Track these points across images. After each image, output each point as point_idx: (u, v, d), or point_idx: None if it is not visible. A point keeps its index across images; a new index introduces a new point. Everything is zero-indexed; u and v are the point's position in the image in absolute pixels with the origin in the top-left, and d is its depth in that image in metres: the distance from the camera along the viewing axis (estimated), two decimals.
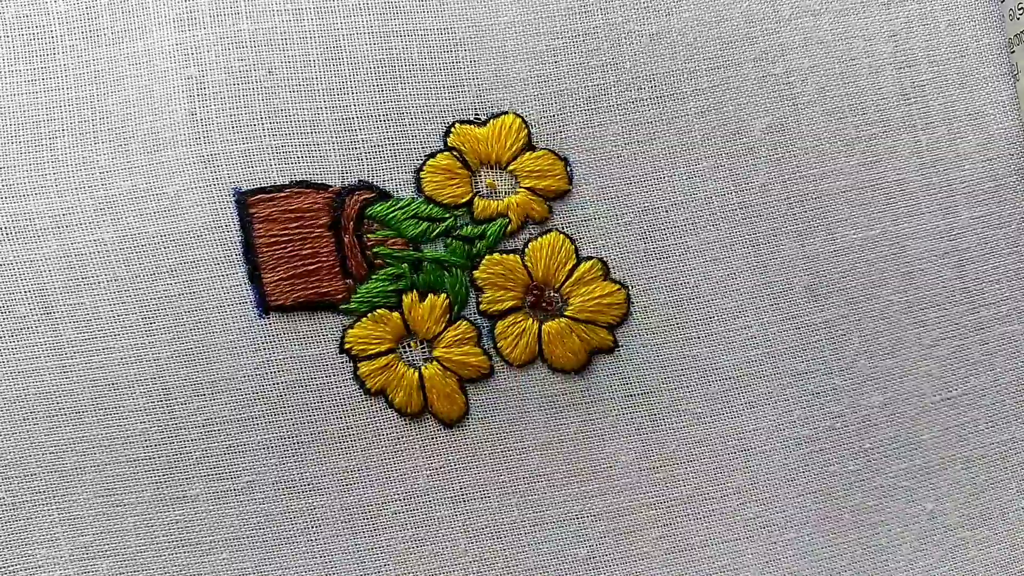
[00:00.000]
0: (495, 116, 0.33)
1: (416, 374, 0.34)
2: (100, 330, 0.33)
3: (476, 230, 0.33)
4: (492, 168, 0.34)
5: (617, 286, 0.34)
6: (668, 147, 0.34)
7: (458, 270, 0.33)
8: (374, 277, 0.33)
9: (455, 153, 0.33)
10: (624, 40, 0.34)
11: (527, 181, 0.33)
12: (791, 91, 0.34)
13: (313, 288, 0.33)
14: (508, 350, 0.34)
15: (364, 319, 0.33)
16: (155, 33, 0.33)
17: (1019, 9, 0.34)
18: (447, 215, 0.33)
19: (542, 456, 0.34)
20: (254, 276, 0.33)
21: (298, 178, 0.33)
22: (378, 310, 0.33)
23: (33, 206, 0.33)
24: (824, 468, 0.35)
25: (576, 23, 0.33)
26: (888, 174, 0.34)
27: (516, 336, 0.34)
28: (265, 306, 0.33)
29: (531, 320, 0.34)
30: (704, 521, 0.35)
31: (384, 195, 0.33)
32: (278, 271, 0.33)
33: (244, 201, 0.33)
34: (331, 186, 0.33)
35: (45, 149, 0.33)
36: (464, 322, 0.34)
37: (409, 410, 0.34)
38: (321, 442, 0.34)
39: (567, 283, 0.34)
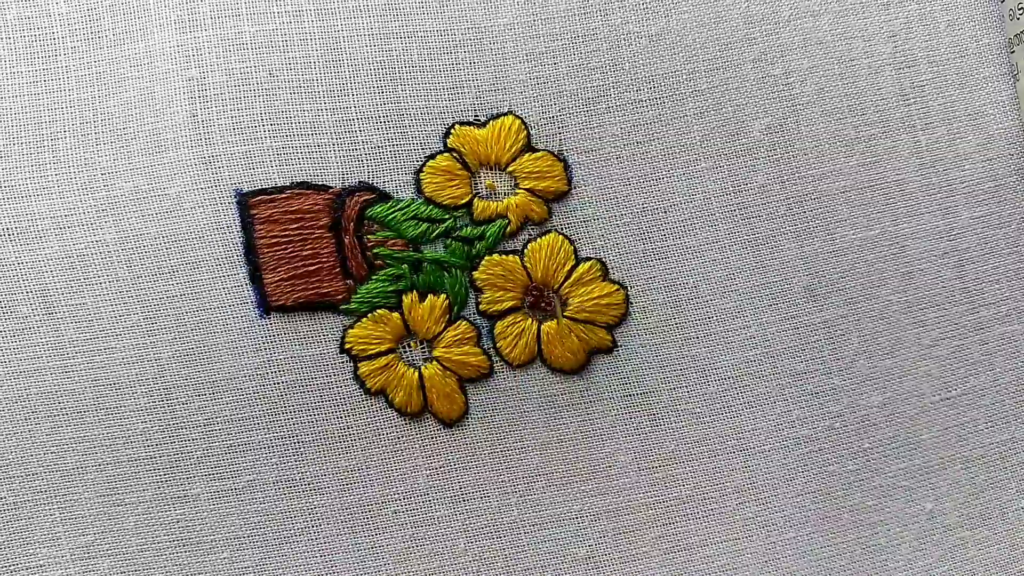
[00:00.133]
0: (495, 117, 0.33)
1: (416, 374, 0.34)
2: (101, 330, 0.33)
3: (476, 231, 0.34)
4: (491, 169, 0.34)
5: (616, 286, 0.34)
6: (667, 148, 0.34)
7: (458, 271, 0.34)
8: (374, 278, 0.33)
9: (455, 154, 0.33)
10: (623, 42, 0.34)
11: (526, 182, 0.34)
12: (790, 92, 0.34)
13: (314, 288, 0.33)
14: (507, 350, 0.34)
15: (364, 319, 0.33)
16: (156, 34, 0.33)
17: (1019, 9, 0.34)
18: (447, 216, 0.33)
19: (541, 456, 0.34)
20: (255, 277, 0.33)
21: (299, 179, 0.33)
22: (378, 310, 0.33)
23: (35, 207, 0.33)
24: (823, 468, 0.35)
25: (575, 25, 0.34)
26: (888, 174, 0.34)
27: (515, 336, 0.34)
28: (266, 306, 0.33)
29: (530, 320, 0.34)
30: (703, 521, 0.35)
31: (384, 196, 0.33)
32: (279, 272, 0.33)
33: (245, 202, 0.33)
34: (331, 187, 0.33)
35: (47, 150, 0.33)
36: (464, 322, 0.34)
37: (409, 410, 0.34)
38: (321, 442, 0.34)
39: (566, 284, 0.34)
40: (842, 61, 0.34)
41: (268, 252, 0.33)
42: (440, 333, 0.34)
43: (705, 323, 0.34)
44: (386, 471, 0.34)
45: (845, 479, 0.35)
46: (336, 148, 0.33)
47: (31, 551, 0.34)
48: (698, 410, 0.34)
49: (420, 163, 0.33)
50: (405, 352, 0.34)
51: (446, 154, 0.33)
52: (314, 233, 0.33)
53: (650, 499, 0.35)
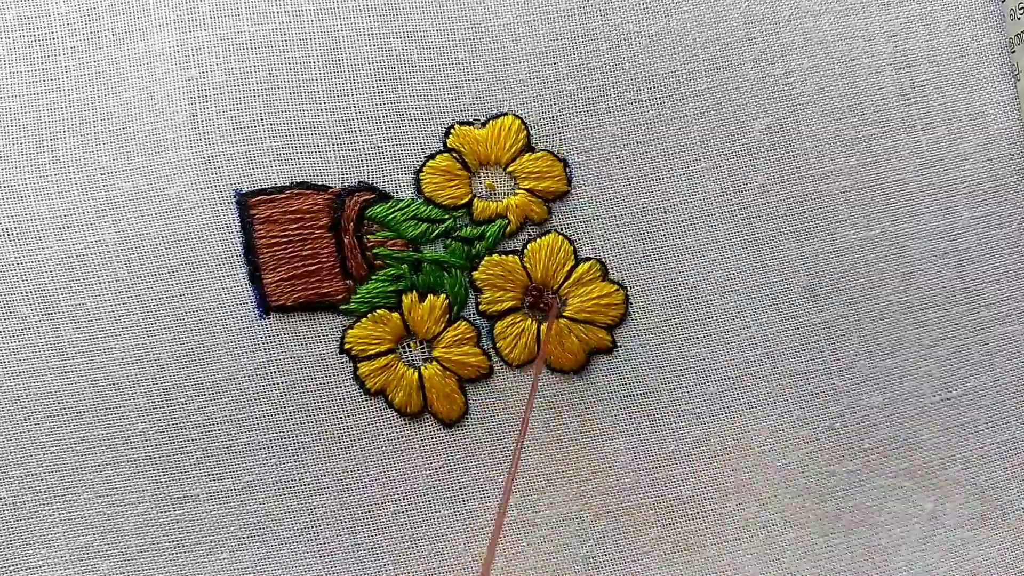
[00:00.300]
0: (494, 117, 0.33)
1: (416, 374, 0.34)
2: (101, 330, 0.33)
3: (475, 231, 0.34)
4: (491, 169, 0.34)
5: (615, 287, 0.34)
6: (667, 148, 0.34)
7: (457, 271, 0.34)
8: (374, 278, 0.33)
9: (454, 154, 0.33)
10: (623, 42, 0.34)
11: (526, 182, 0.34)
12: (790, 92, 0.34)
13: (313, 289, 0.33)
14: (507, 350, 0.34)
15: (364, 319, 0.33)
16: (156, 35, 0.33)
17: (1019, 9, 0.34)
18: (447, 216, 0.33)
19: (541, 456, 0.34)
20: (255, 277, 0.33)
21: (298, 179, 0.33)
22: (378, 310, 0.33)
23: (35, 207, 0.33)
24: (823, 468, 0.35)
25: (575, 25, 0.33)
26: (888, 174, 0.34)
27: (515, 336, 0.34)
28: (266, 306, 0.33)
29: (530, 320, 0.34)
30: (703, 521, 0.35)
31: (384, 196, 0.33)
32: (279, 272, 0.33)
33: (245, 202, 0.33)
34: (331, 187, 0.33)
35: (47, 150, 0.33)
36: (463, 322, 0.34)
37: (409, 410, 0.34)
38: (321, 442, 0.34)
39: (566, 284, 0.34)
40: (842, 61, 0.34)
41: (268, 252, 0.33)
42: (440, 333, 0.34)
43: (705, 323, 0.34)
44: (386, 471, 0.34)
45: (845, 479, 0.35)
46: (336, 148, 0.33)
47: (30, 551, 0.34)
48: (698, 410, 0.34)
49: (420, 163, 0.33)
50: (405, 352, 0.34)
51: (446, 154, 0.33)
52: (314, 233, 0.33)
53: (650, 499, 0.35)
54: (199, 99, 0.33)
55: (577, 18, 0.34)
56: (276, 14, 0.33)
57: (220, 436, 0.34)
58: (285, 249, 0.33)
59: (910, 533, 0.35)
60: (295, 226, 0.33)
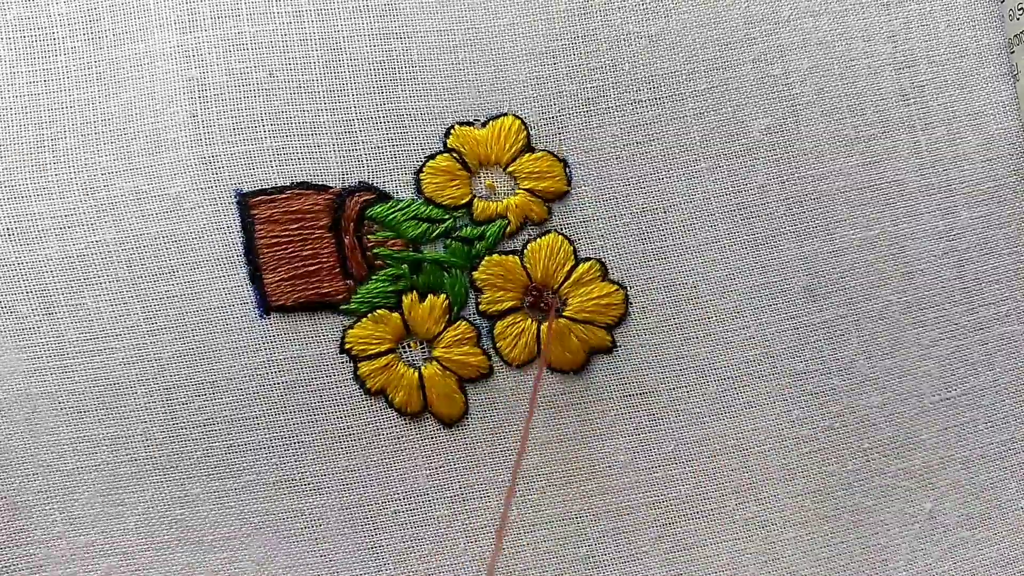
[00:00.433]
0: (494, 118, 0.33)
1: (416, 374, 0.34)
2: (102, 330, 0.33)
3: (475, 231, 0.34)
4: (491, 169, 0.34)
5: (615, 287, 0.34)
6: (667, 148, 0.34)
7: (458, 271, 0.34)
8: (374, 278, 0.33)
9: (455, 155, 0.33)
10: (623, 42, 0.34)
11: (526, 182, 0.34)
12: (790, 92, 0.34)
13: (314, 289, 0.33)
14: (507, 350, 0.34)
15: (364, 319, 0.33)
16: (156, 35, 0.33)
17: (1019, 9, 0.34)
18: (447, 216, 0.33)
19: (541, 456, 0.34)
20: (255, 277, 0.33)
21: (299, 179, 0.33)
22: (378, 310, 0.33)
23: (35, 207, 0.33)
24: (823, 468, 0.35)
25: (575, 25, 0.34)
26: (887, 175, 0.34)
27: (515, 336, 0.34)
28: (266, 306, 0.33)
29: (530, 320, 0.34)
30: (703, 520, 0.35)
31: (384, 196, 0.33)
32: (279, 272, 0.33)
33: (245, 202, 0.33)
34: (331, 187, 0.33)
35: (47, 150, 0.33)
36: (463, 322, 0.34)
37: (409, 410, 0.34)
38: (321, 442, 0.34)
39: (566, 284, 0.34)
40: (842, 61, 0.34)
41: (268, 252, 0.33)
42: (440, 333, 0.34)
43: (705, 323, 0.34)
44: (386, 471, 0.34)
45: (845, 479, 0.35)
46: (336, 148, 0.33)
47: (30, 551, 0.34)
48: (698, 410, 0.34)
49: (420, 163, 0.33)
50: (405, 352, 0.34)
51: (446, 154, 0.33)
52: (314, 233, 0.33)
53: (650, 499, 0.35)
54: (200, 99, 0.33)
55: (577, 18, 0.34)
56: (276, 14, 0.33)
57: (220, 436, 0.34)
58: (285, 249, 0.33)
59: (910, 533, 0.35)
60: (295, 226, 0.33)
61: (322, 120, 0.33)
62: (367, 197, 0.33)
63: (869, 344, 0.35)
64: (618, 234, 0.34)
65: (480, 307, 0.34)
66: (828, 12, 0.34)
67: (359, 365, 0.34)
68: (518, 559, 0.35)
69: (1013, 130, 0.34)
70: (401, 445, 0.34)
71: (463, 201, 0.34)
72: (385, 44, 0.33)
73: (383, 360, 0.34)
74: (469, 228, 0.34)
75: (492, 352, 0.34)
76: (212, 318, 0.33)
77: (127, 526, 0.34)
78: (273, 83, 0.33)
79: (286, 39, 0.33)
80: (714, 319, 0.34)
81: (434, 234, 0.33)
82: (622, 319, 0.34)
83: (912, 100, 0.34)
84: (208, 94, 0.33)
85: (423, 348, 0.34)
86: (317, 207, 0.33)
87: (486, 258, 0.34)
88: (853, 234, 0.34)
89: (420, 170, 0.33)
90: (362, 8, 0.33)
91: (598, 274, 0.34)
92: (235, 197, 0.33)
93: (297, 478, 0.34)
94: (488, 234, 0.34)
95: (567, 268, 0.34)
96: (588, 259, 0.34)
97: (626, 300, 0.34)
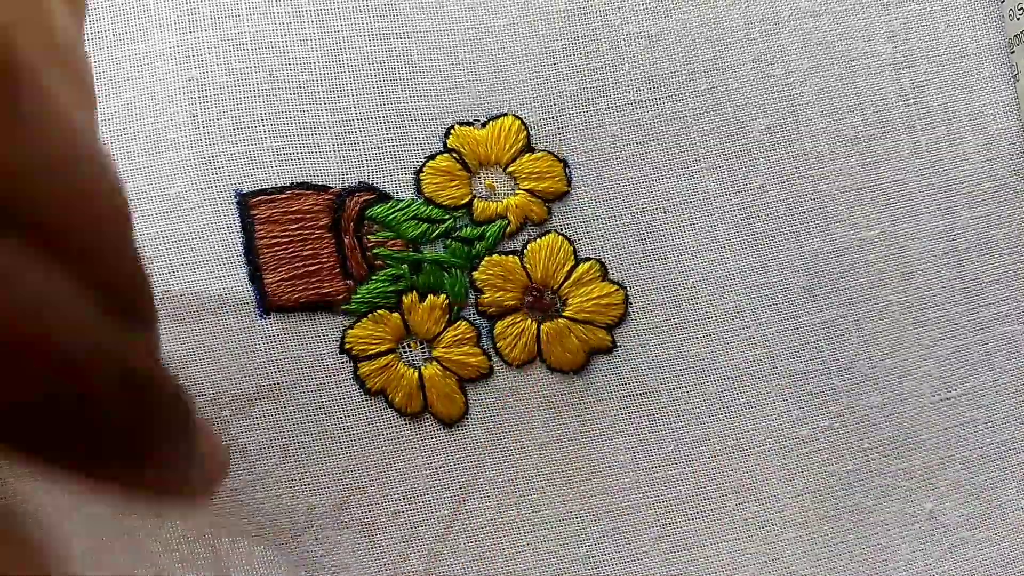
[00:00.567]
0: (494, 118, 0.33)
1: (416, 374, 0.34)
2: None
3: (475, 231, 0.34)
4: (491, 170, 0.34)
5: (615, 287, 0.34)
6: (666, 149, 0.34)
7: (458, 271, 0.34)
8: (374, 278, 0.33)
9: (454, 155, 0.33)
10: (623, 42, 0.34)
11: (526, 183, 0.34)
12: (790, 92, 0.34)
13: (314, 289, 0.33)
14: (507, 350, 0.34)
15: (364, 319, 0.33)
16: (157, 35, 0.33)
17: (1019, 9, 0.34)
18: (447, 216, 0.33)
19: (541, 456, 0.34)
20: (255, 277, 0.33)
21: (299, 179, 0.33)
22: (378, 310, 0.33)
23: None
24: (823, 468, 0.35)
25: (575, 25, 0.34)
26: (887, 175, 0.34)
27: (515, 336, 0.34)
28: (266, 306, 0.33)
29: (530, 320, 0.34)
30: (703, 521, 0.35)
31: (384, 196, 0.33)
32: (279, 272, 0.33)
33: (245, 202, 0.33)
34: (331, 187, 0.33)
35: None
36: (463, 322, 0.34)
37: (409, 410, 0.34)
38: (321, 442, 0.34)
39: (566, 284, 0.34)
40: (842, 61, 0.34)
41: (268, 252, 0.33)
42: (440, 333, 0.34)
43: (704, 323, 0.34)
44: (386, 471, 0.34)
45: (845, 479, 0.35)
46: (336, 148, 0.33)
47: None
48: (698, 410, 0.34)
49: (420, 163, 0.33)
50: (405, 352, 0.34)
51: (446, 154, 0.33)
52: (314, 233, 0.33)
53: (650, 499, 0.35)
54: (200, 99, 0.33)
55: (577, 19, 0.34)
56: (276, 14, 0.33)
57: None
58: (285, 249, 0.33)
59: (910, 533, 0.35)
60: (295, 226, 0.33)
61: (322, 120, 0.33)
62: (367, 197, 0.33)
63: (869, 344, 0.35)
64: (618, 234, 0.34)
65: (480, 307, 0.34)
66: (828, 12, 0.34)
67: (359, 365, 0.34)
68: (518, 559, 0.35)
69: (1013, 130, 0.34)
70: (401, 445, 0.34)
71: (463, 201, 0.34)
72: (385, 44, 0.33)
73: (383, 360, 0.34)
74: (469, 228, 0.34)
75: (492, 352, 0.34)
76: (212, 318, 0.33)
77: (128, 526, 0.34)
78: (273, 83, 0.33)
79: (286, 39, 0.33)
80: (714, 319, 0.34)
81: (434, 234, 0.33)
82: (622, 319, 0.34)
83: (912, 100, 0.34)
84: (208, 94, 0.33)
85: (423, 348, 0.34)
86: (317, 207, 0.33)
87: (486, 258, 0.34)
88: (853, 234, 0.34)
89: (420, 170, 0.33)
90: (362, 8, 0.33)
91: (598, 274, 0.34)
92: (235, 197, 0.33)
93: (297, 478, 0.34)
94: (488, 234, 0.34)
95: (567, 268, 0.34)
96: (588, 259, 0.34)
97: (626, 300, 0.34)
